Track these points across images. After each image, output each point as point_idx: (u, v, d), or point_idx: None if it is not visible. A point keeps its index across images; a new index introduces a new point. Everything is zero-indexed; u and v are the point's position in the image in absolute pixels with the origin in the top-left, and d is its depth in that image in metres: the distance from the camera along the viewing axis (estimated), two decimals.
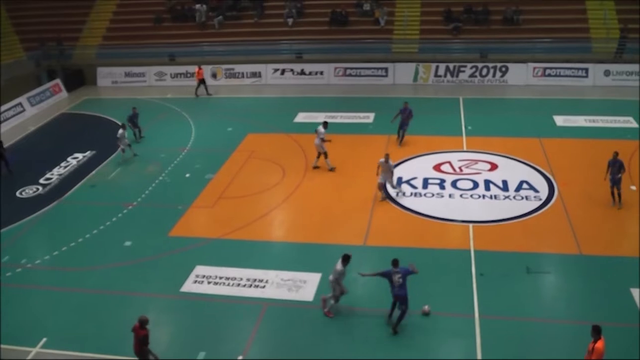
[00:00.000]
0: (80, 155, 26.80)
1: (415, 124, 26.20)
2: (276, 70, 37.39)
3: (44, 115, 33.48)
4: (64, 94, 37.23)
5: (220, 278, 16.91)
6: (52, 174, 24.91)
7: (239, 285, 16.56)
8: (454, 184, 22.03)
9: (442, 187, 21.80)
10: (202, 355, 13.99)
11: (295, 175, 23.56)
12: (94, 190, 23.48)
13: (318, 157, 23.74)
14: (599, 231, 18.71)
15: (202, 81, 35.11)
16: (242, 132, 28.37)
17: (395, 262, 14.39)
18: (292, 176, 23.48)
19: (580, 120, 28.13)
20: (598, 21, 35.75)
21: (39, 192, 23.44)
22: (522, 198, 20.81)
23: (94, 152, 27.10)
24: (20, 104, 33.38)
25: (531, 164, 23.41)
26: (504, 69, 34.80)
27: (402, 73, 35.89)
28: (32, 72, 38.00)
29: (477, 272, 16.66)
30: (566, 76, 34.17)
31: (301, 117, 30.16)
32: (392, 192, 21.40)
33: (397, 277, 14.20)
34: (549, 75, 34.36)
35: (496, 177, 22.44)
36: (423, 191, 21.64)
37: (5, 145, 26.53)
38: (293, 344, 14.35)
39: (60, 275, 17.75)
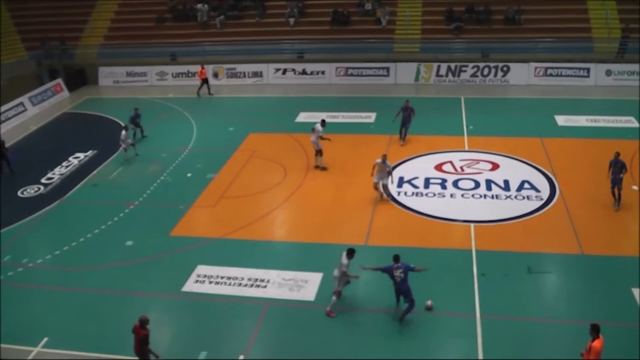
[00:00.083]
0: (81, 155, 26.82)
1: (416, 124, 26.22)
2: (278, 69, 37.40)
3: (45, 115, 33.51)
4: (65, 93, 37.26)
5: (222, 278, 16.92)
6: (54, 174, 24.94)
7: (240, 285, 16.57)
8: (455, 183, 22.02)
9: (444, 187, 21.79)
10: (203, 355, 13.99)
11: (297, 175, 23.56)
12: (96, 189, 23.50)
13: (316, 155, 23.79)
14: (601, 231, 18.69)
15: (205, 81, 35.14)
16: (243, 132, 28.38)
17: (396, 258, 14.53)
18: (293, 176, 23.48)
19: (581, 120, 28.11)
20: (600, 21, 35.72)
21: (40, 191, 23.46)
22: (524, 198, 20.79)
23: (95, 151, 27.12)
24: (21, 103, 33.40)
25: (533, 163, 23.39)
26: (505, 68, 34.78)
27: (403, 73, 35.89)
28: (33, 72, 38.09)
29: (478, 272, 16.66)
30: (568, 76, 34.15)
31: (303, 117, 30.15)
32: (393, 191, 21.42)
33: (398, 273, 14.39)
34: (551, 75, 34.34)
35: (497, 176, 22.43)
36: (424, 191, 21.63)
37: (7, 144, 26.57)
38: (294, 343, 14.35)
39: (61, 274, 17.76)
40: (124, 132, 25.48)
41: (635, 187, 20.91)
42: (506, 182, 21.93)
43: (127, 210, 21.44)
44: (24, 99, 33.73)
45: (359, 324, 14.97)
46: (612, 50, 34.54)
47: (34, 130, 31.22)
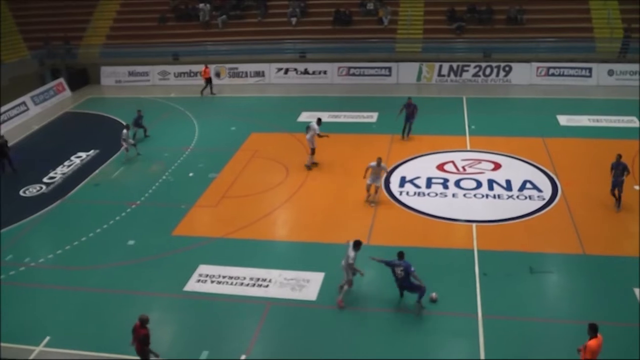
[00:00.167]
0: (83, 154, 26.85)
1: (418, 124, 26.25)
2: (280, 69, 37.41)
3: (47, 114, 33.54)
4: (67, 93, 37.30)
5: (224, 277, 16.92)
6: (56, 173, 24.96)
7: (242, 284, 16.57)
8: (457, 183, 22.00)
9: (446, 187, 21.78)
10: (205, 354, 14.00)
11: (299, 174, 23.56)
12: (98, 189, 23.52)
13: (313, 153, 23.85)
14: (603, 231, 18.67)
15: (208, 80, 35.15)
16: (245, 132, 28.39)
17: (400, 255, 14.85)
18: (295, 175, 23.49)
19: (583, 120, 28.08)
20: (602, 21, 35.68)
21: (42, 191, 23.48)
22: (526, 198, 20.77)
23: (97, 151, 27.15)
24: (24, 102, 33.45)
25: (535, 163, 23.37)
26: (507, 68, 34.76)
27: (405, 72, 35.88)
28: (36, 71, 38.13)
29: (480, 271, 16.65)
30: (570, 76, 34.12)
31: (305, 117, 30.09)
32: (395, 191, 21.41)
33: (399, 270, 14.74)
34: (553, 74, 34.31)
35: (500, 176, 22.41)
36: (426, 190, 21.62)
37: (9, 144, 26.58)
38: (296, 343, 14.35)
39: (63, 274, 17.78)
40: (124, 130, 25.53)
41: (637, 187, 20.87)
42: (508, 182, 21.91)
43: (129, 210, 21.45)
44: (26, 98, 33.77)
45: (361, 323, 14.98)
46: (614, 50, 34.50)
47: (36, 129, 31.25)
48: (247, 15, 40.72)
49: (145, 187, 23.11)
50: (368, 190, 20.75)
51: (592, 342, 11.62)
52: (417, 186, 21.97)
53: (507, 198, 20.84)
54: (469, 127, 27.72)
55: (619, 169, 19.29)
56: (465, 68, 35.15)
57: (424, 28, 37.57)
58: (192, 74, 37.73)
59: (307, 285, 16.39)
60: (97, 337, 14.79)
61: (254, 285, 16.51)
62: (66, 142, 28.76)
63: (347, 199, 21.36)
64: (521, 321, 14.66)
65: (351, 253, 15.15)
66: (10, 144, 26.87)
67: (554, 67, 34.27)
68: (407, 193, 21.49)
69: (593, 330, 11.70)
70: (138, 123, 27.80)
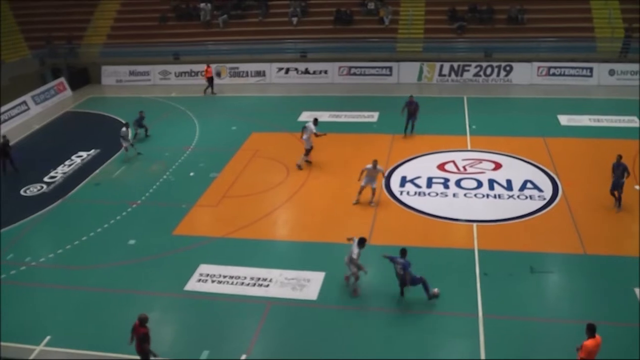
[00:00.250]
0: (84, 154, 26.85)
1: (419, 123, 26.29)
2: (280, 69, 37.41)
3: (48, 114, 33.55)
4: (68, 92, 37.29)
5: (224, 277, 16.92)
6: (57, 172, 24.97)
7: (242, 284, 16.57)
8: (458, 183, 22.00)
9: (446, 187, 21.78)
10: (205, 354, 14.00)
11: (299, 174, 23.55)
12: (99, 188, 23.53)
13: (307, 153, 23.90)
14: (604, 231, 18.66)
15: (210, 80, 35.15)
16: (246, 131, 28.39)
17: (402, 252, 15.16)
18: (296, 175, 23.48)
19: (584, 120, 28.07)
20: (603, 20, 35.67)
21: (43, 190, 23.49)
22: (526, 197, 20.77)
23: (98, 150, 27.15)
24: (24, 102, 33.44)
25: (535, 163, 23.36)
26: (508, 68, 34.75)
27: (406, 72, 35.87)
28: (36, 71, 38.15)
29: (481, 271, 16.65)
30: (571, 75, 34.12)
31: (305, 116, 30.03)
32: (396, 190, 21.41)
33: (398, 268, 15.09)
34: (554, 74, 34.30)
35: (500, 176, 22.40)
36: (427, 190, 21.61)
37: (10, 143, 26.57)
38: (297, 342, 14.36)
39: (64, 273, 17.78)
40: (124, 129, 25.57)
41: (637, 187, 20.86)
42: (509, 181, 21.91)
43: (129, 209, 21.46)
44: (26, 97, 33.76)
45: (362, 323, 14.98)
46: (615, 50, 34.49)
47: (36, 129, 31.26)
48: (248, 15, 40.74)
49: (146, 187, 23.12)
50: (360, 192, 20.73)
51: (588, 342, 11.66)
52: (418, 186, 21.97)
53: (508, 198, 20.84)
54: (469, 126, 27.72)
55: (619, 170, 19.25)
56: (466, 68, 35.14)
57: (424, 28, 37.58)
58: (192, 74, 37.75)
59: (308, 284, 16.39)
60: (97, 337, 14.79)
61: (254, 284, 16.51)
62: (67, 141, 28.78)
63: (348, 198, 21.32)
64: (522, 321, 14.66)
65: (355, 249, 15.36)
66: (11, 143, 26.87)
67: (555, 67, 34.26)
68: (408, 193, 21.49)
69: (591, 331, 11.75)
70: (140, 123, 27.82)
